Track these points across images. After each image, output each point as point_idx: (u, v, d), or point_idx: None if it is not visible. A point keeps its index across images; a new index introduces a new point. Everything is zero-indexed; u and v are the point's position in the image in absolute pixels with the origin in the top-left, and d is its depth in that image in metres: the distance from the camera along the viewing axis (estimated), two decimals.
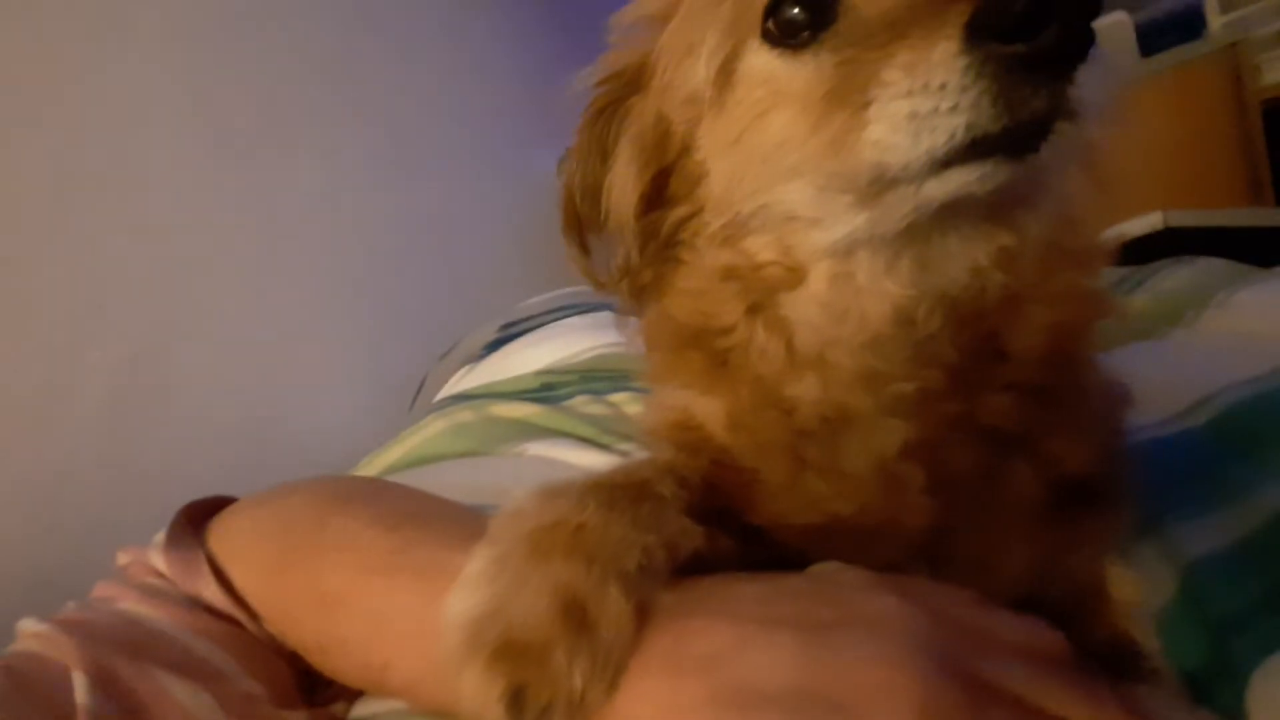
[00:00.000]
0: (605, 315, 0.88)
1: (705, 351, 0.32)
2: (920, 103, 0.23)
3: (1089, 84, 0.24)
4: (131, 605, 0.39)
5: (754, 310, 0.31)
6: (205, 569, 0.39)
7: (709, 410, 0.32)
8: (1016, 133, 0.24)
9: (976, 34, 0.22)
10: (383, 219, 1.23)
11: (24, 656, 0.35)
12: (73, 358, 0.80)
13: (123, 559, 0.43)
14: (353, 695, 0.40)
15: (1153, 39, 1.41)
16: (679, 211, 0.33)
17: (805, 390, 0.30)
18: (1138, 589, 0.32)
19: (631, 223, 0.33)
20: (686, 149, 0.33)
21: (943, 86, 0.23)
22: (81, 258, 0.83)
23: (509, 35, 1.56)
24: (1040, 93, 0.23)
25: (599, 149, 0.35)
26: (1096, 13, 0.23)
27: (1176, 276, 0.71)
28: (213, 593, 0.39)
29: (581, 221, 0.36)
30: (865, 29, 0.26)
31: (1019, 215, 0.29)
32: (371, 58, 1.27)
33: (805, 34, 0.28)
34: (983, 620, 0.26)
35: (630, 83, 0.34)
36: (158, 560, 0.40)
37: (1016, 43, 0.22)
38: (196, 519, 0.43)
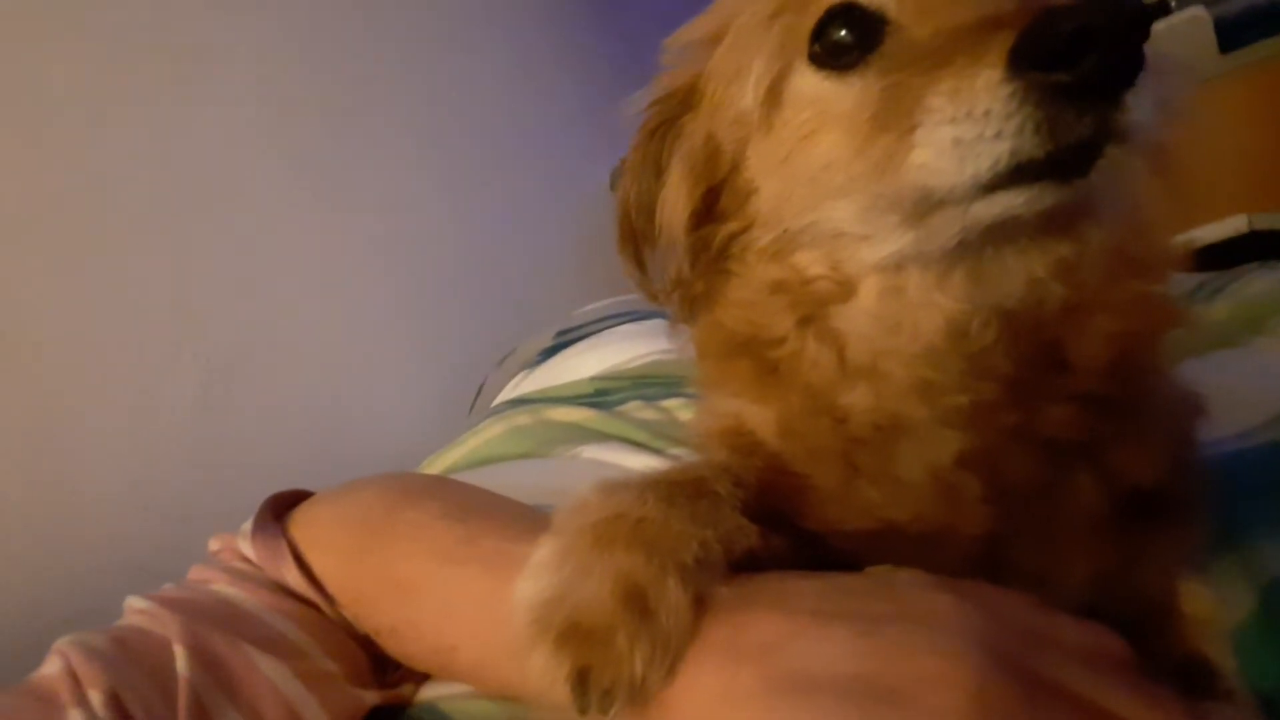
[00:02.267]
0: (658, 323, 0.90)
1: (755, 360, 0.32)
2: (964, 129, 0.24)
3: (1141, 104, 0.23)
4: (223, 587, 0.42)
5: (805, 321, 0.31)
6: (288, 555, 0.42)
7: (760, 417, 0.32)
8: (1061, 158, 0.24)
9: (1020, 62, 0.23)
10: (445, 232, 1.28)
11: (132, 630, 0.38)
12: (168, 363, 0.87)
13: (214, 545, 0.46)
14: (419, 679, 0.43)
15: (1232, 35, 1.33)
16: (729, 226, 0.34)
17: (858, 399, 0.30)
18: (1213, 606, 0.30)
19: (683, 238, 0.34)
20: (736, 167, 0.33)
21: (986, 114, 0.23)
22: (176, 271, 0.90)
23: (567, 53, 1.60)
24: (1085, 120, 0.23)
25: (653, 166, 0.36)
26: (1143, 39, 0.23)
27: (1260, 282, 0.67)
28: (294, 577, 0.42)
29: (636, 236, 0.36)
30: (911, 53, 0.26)
31: (1078, 227, 0.28)
32: (436, 80, 1.32)
33: (852, 56, 0.28)
34: (1042, 622, 0.25)
35: (682, 103, 0.35)
36: (245, 547, 0.44)
37: (1059, 71, 0.22)
38: (279, 510, 0.46)
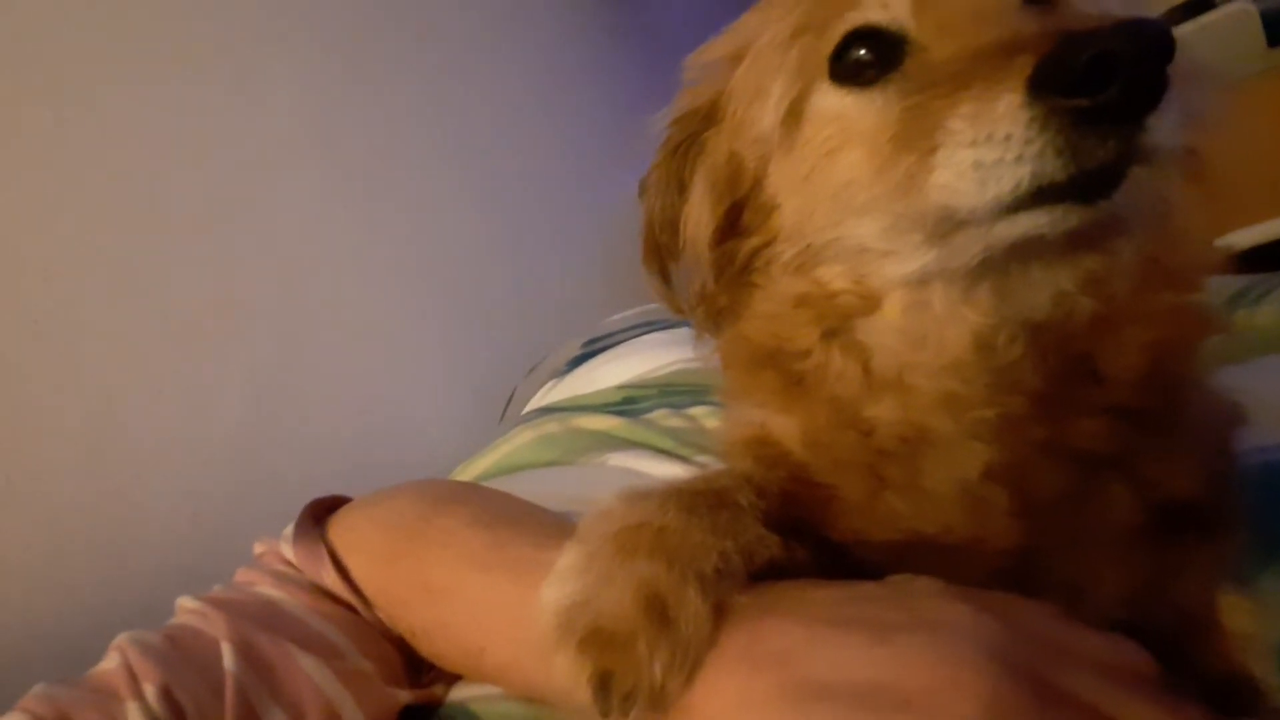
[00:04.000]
0: (685, 331, 0.90)
1: (780, 371, 0.33)
2: (985, 152, 0.24)
3: (1166, 123, 0.23)
4: (266, 589, 0.44)
5: (829, 334, 0.31)
6: (326, 559, 0.44)
7: (785, 428, 0.32)
8: (1084, 181, 0.24)
9: (1040, 87, 0.23)
10: (477, 244, 1.30)
11: (183, 629, 0.40)
12: (215, 377, 0.90)
13: (258, 548, 0.48)
14: (451, 680, 0.44)
15: None
16: (752, 241, 0.34)
17: (884, 412, 0.30)
18: (1254, 620, 0.30)
19: (706, 253, 0.35)
20: (758, 183, 0.34)
21: (1007, 138, 0.23)
22: (223, 281, 0.94)
23: (594, 67, 1.63)
24: (1107, 144, 0.23)
25: (676, 182, 0.36)
26: (1166, 61, 0.22)
27: None
28: (332, 580, 0.43)
29: (661, 250, 0.37)
30: (931, 74, 0.26)
31: (1106, 242, 0.28)
32: (469, 97, 1.36)
33: (873, 73, 0.29)
34: (1062, 633, 0.25)
35: (704, 120, 0.36)
36: (287, 550, 0.46)
37: (1080, 97, 0.22)
38: (318, 515, 0.48)
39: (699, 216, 0.35)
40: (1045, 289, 0.28)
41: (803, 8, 0.32)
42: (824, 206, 0.30)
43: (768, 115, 0.32)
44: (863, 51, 0.29)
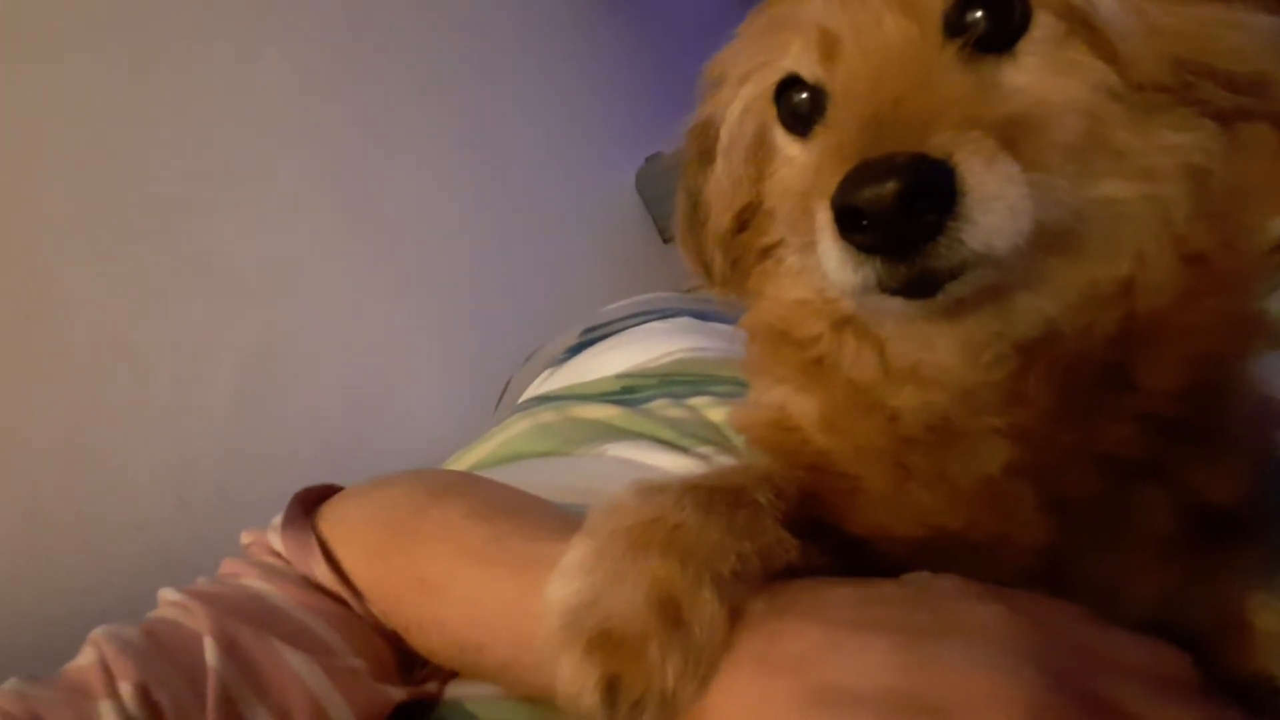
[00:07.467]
0: (685, 320, 0.89)
1: (798, 350, 0.32)
2: (832, 256, 0.25)
3: (983, 229, 0.23)
4: (253, 581, 0.42)
5: (840, 325, 0.31)
6: (316, 551, 0.42)
7: (805, 410, 0.32)
8: (909, 287, 0.25)
9: (836, 221, 0.24)
10: (472, 230, 1.29)
11: (163, 622, 0.39)
12: (202, 360, 0.88)
13: (245, 539, 0.47)
14: (446, 676, 0.42)
15: None
16: (762, 240, 0.34)
17: (906, 400, 0.29)
18: None
19: (726, 243, 0.35)
20: (759, 193, 0.34)
21: (840, 251, 0.25)
22: (212, 265, 0.91)
23: (591, 56, 1.62)
24: (899, 269, 0.24)
25: (707, 158, 0.36)
26: (925, 199, 0.22)
27: None
28: (323, 573, 0.42)
29: (695, 226, 0.37)
30: (834, 138, 0.27)
31: (1027, 287, 0.27)
32: (463, 81, 1.34)
33: (807, 122, 0.30)
34: (1098, 637, 0.24)
35: (712, 136, 0.36)
36: (275, 542, 0.44)
37: (857, 235, 0.24)
38: (308, 505, 0.46)
39: (717, 218, 0.35)
40: (1027, 314, 0.27)
41: (757, 45, 0.32)
42: (795, 235, 0.31)
43: (744, 141, 0.33)
44: (803, 96, 0.30)
